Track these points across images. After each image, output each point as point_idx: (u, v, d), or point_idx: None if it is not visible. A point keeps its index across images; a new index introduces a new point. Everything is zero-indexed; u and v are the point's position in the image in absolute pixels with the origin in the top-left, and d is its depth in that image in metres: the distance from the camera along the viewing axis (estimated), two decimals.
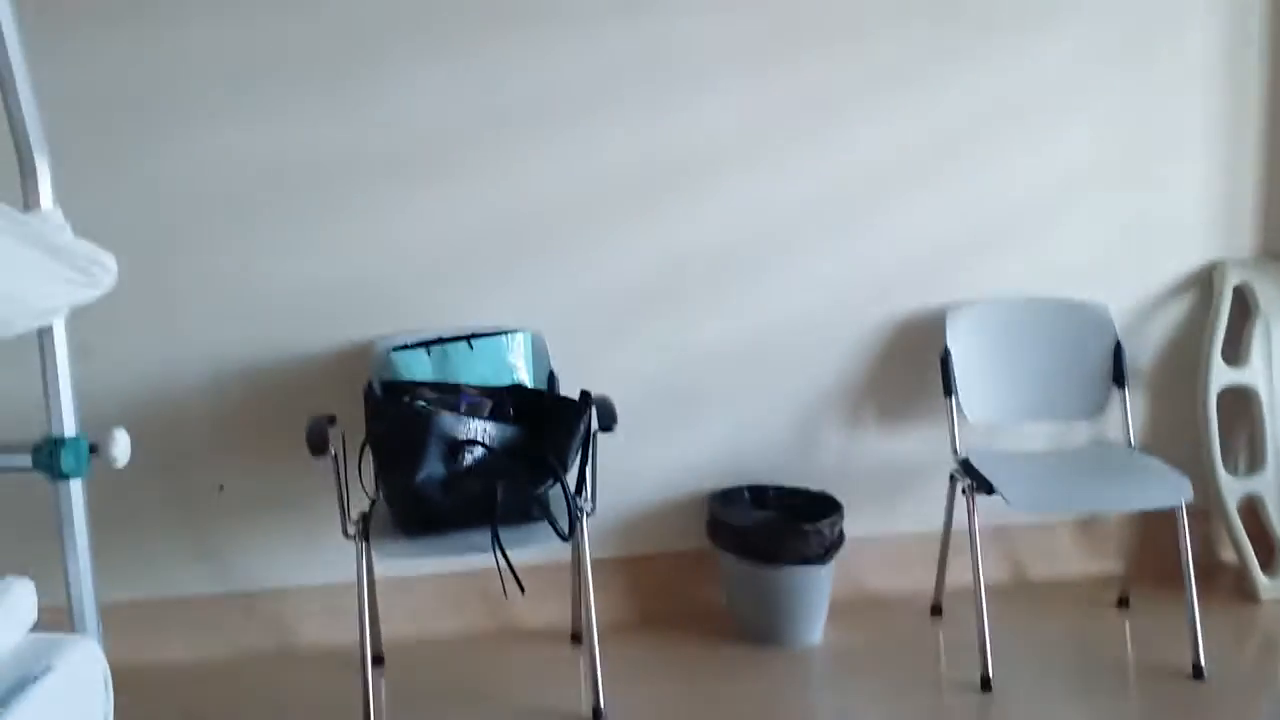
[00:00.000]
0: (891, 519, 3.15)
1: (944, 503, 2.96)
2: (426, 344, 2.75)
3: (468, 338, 2.78)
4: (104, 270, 1.49)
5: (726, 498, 3.04)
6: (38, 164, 1.48)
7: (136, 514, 2.82)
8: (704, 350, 3.02)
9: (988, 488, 2.67)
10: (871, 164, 3.00)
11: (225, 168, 2.75)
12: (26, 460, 1.56)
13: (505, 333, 2.80)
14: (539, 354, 2.85)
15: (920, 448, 3.12)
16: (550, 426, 2.56)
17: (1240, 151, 3.13)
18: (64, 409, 1.58)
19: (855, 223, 3.02)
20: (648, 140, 2.90)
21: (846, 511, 2.94)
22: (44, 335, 1.54)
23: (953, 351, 2.97)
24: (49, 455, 1.55)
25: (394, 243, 2.84)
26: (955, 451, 2.92)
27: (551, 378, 2.84)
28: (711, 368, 3.03)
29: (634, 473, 3.02)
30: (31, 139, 1.47)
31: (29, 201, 1.48)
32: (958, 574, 2.95)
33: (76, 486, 1.60)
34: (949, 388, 2.95)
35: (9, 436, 1.62)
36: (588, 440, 2.56)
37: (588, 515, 2.53)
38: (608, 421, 2.58)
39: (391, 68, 2.77)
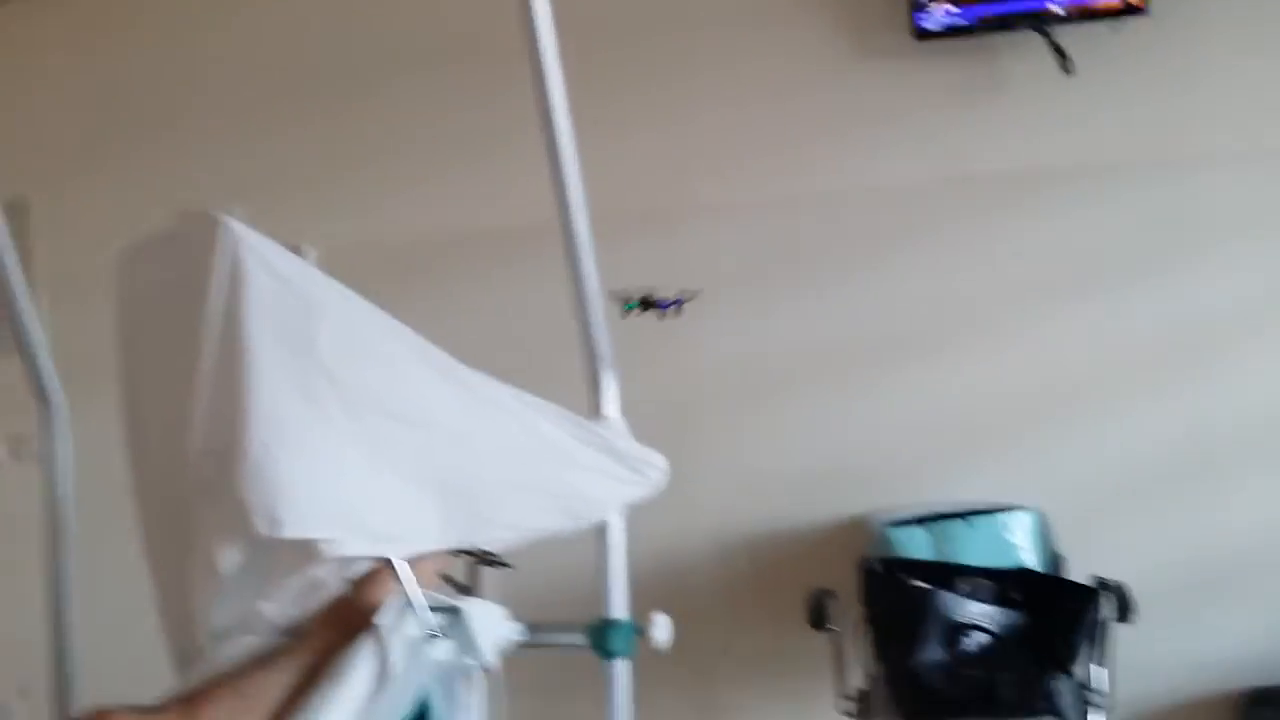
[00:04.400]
0: None
1: None
2: (923, 520, 2.74)
3: (965, 514, 2.72)
4: (656, 470, 1.64)
5: (1261, 698, 2.67)
6: (603, 377, 1.68)
7: (650, 671, 3.02)
8: (1234, 531, 2.74)
9: None
10: None
11: (733, 358, 2.97)
12: (581, 638, 1.73)
13: (1006, 510, 2.71)
14: (1043, 534, 2.72)
15: None
16: (1058, 614, 2.42)
17: None
18: (617, 595, 1.74)
19: None
20: (1162, 308, 2.75)
21: None
22: (602, 528, 1.73)
23: None
24: (602, 636, 1.71)
25: (892, 418, 2.90)
26: None
27: (1059, 560, 2.69)
28: (1243, 551, 2.74)
29: (1153, 665, 2.76)
30: (599, 354, 1.68)
31: (597, 409, 1.68)
32: None
33: (622, 665, 1.75)
34: None
35: (561, 615, 1.81)
36: (1101, 630, 2.38)
37: (1103, 712, 2.33)
38: (1126, 611, 2.39)
39: (887, 254, 2.87)
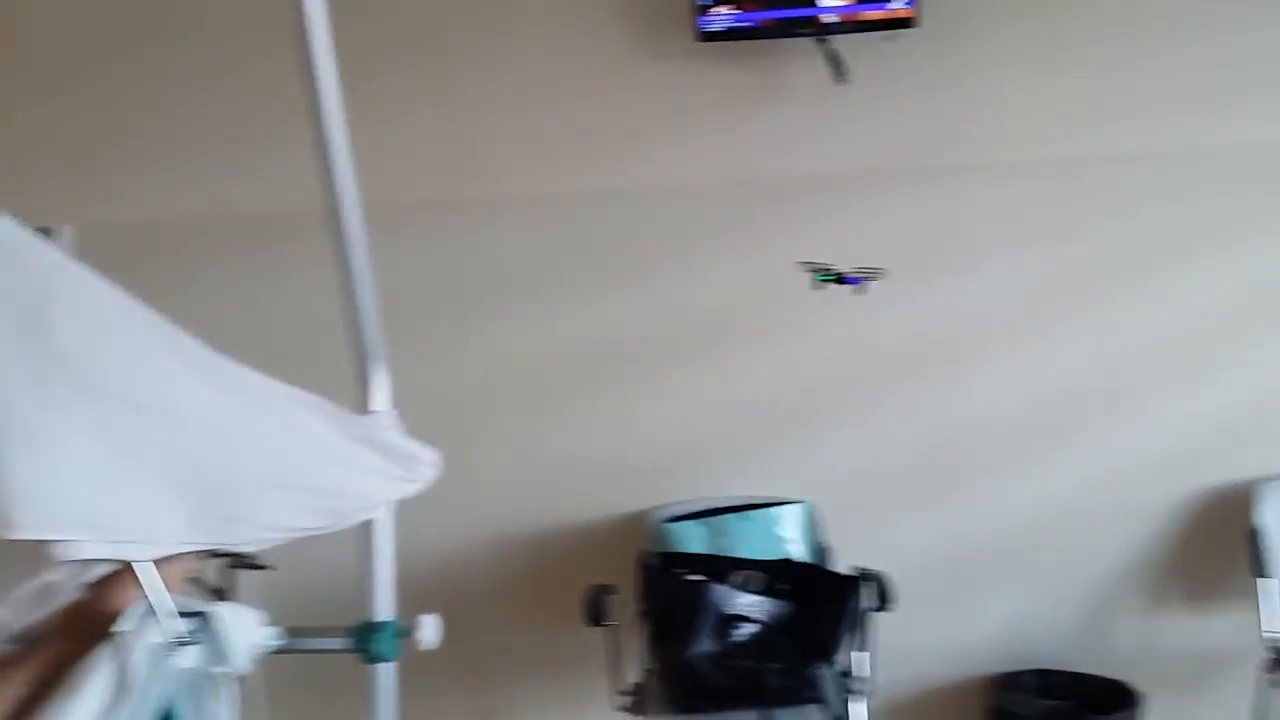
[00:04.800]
0: (1195, 712, 2.88)
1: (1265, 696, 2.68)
2: (700, 515, 2.80)
3: (740, 509, 2.80)
4: (427, 466, 1.61)
5: (1010, 682, 2.87)
6: (374, 372, 1.63)
7: (424, 672, 2.96)
8: (989, 525, 2.92)
9: None
10: (1170, 333, 2.86)
11: (517, 358, 2.96)
12: (344, 642, 1.68)
13: (779, 504, 2.81)
14: (813, 527, 2.83)
15: (1228, 634, 2.85)
16: (823, 604, 2.52)
17: None
18: (382, 596, 1.69)
19: (1154, 394, 2.88)
20: (927, 311, 2.89)
21: (1144, 702, 2.71)
22: (368, 526, 1.67)
23: (1264, 529, 2.72)
24: (365, 639, 1.66)
25: (673, 415, 2.94)
26: (1268, 640, 2.65)
27: (825, 552, 2.81)
28: (996, 543, 2.92)
29: (911, 652, 2.90)
30: (370, 349, 1.62)
31: (365, 403, 1.63)
32: None
33: (387, 668, 1.70)
34: (1259, 568, 2.70)
35: (323, 619, 1.75)
36: (862, 619, 2.50)
37: (863, 697, 2.45)
38: (885, 599, 2.51)
39: (663, 260, 2.92)
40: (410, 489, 1.62)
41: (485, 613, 2.94)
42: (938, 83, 2.85)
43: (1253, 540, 2.74)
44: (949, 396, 2.91)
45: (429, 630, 1.68)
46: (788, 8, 2.76)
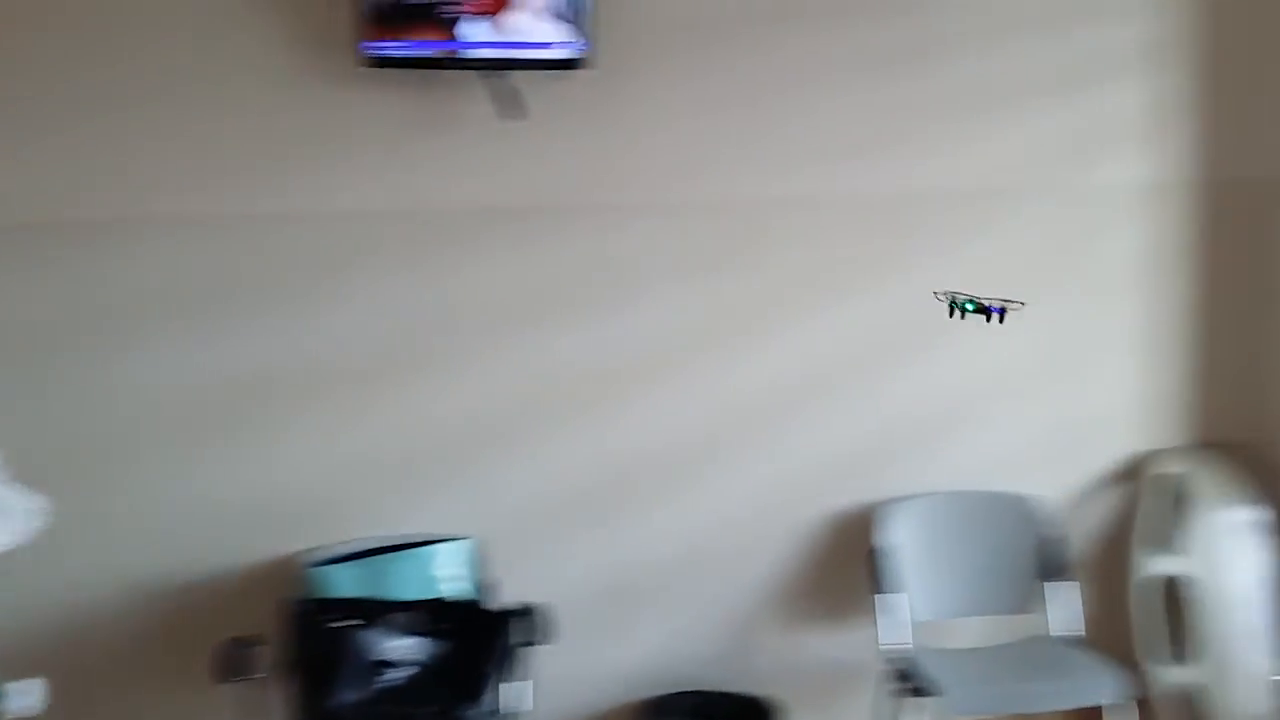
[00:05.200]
0: None
1: (885, 704, 2.91)
2: (352, 557, 2.72)
3: (396, 548, 2.75)
4: (33, 515, 1.48)
5: (662, 706, 2.98)
6: None
7: None
8: (645, 553, 3.02)
9: (920, 690, 2.64)
10: (802, 365, 3.05)
11: (153, 393, 2.78)
12: None
13: (437, 541, 2.78)
14: (475, 563, 2.82)
15: (858, 648, 3.09)
16: (478, 641, 2.52)
17: (1166, 348, 3.21)
18: None
19: (789, 423, 3.06)
20: (583, 347, 2.95)
21: (784, 716, 2.88)
22: None
23: (885, 548, 2.97)
24: None
25: (325, 454, 2.85)
26: (885, 652, 2.89)
27: (488, 588, 2.80)
28: (651, 571, 3.02)
29: (574, 682, 2.97)
30: None
31: None
32: None
33: None
34: (878, 585, 2.94)
35: None
36: (518, 653, 2.51)
37: None
38: (542, 633, 2.54)
39: (318, 289, 2.83)
40: (11, 540, 1.47)
41: (116, 673, 2.73)
42: (608, 124, 2.92)
43: (872, 559, 2.98)
44: (608, 429, 2.99)
45: (25, 698, 1.53)
46: (452, 40, 2.74)
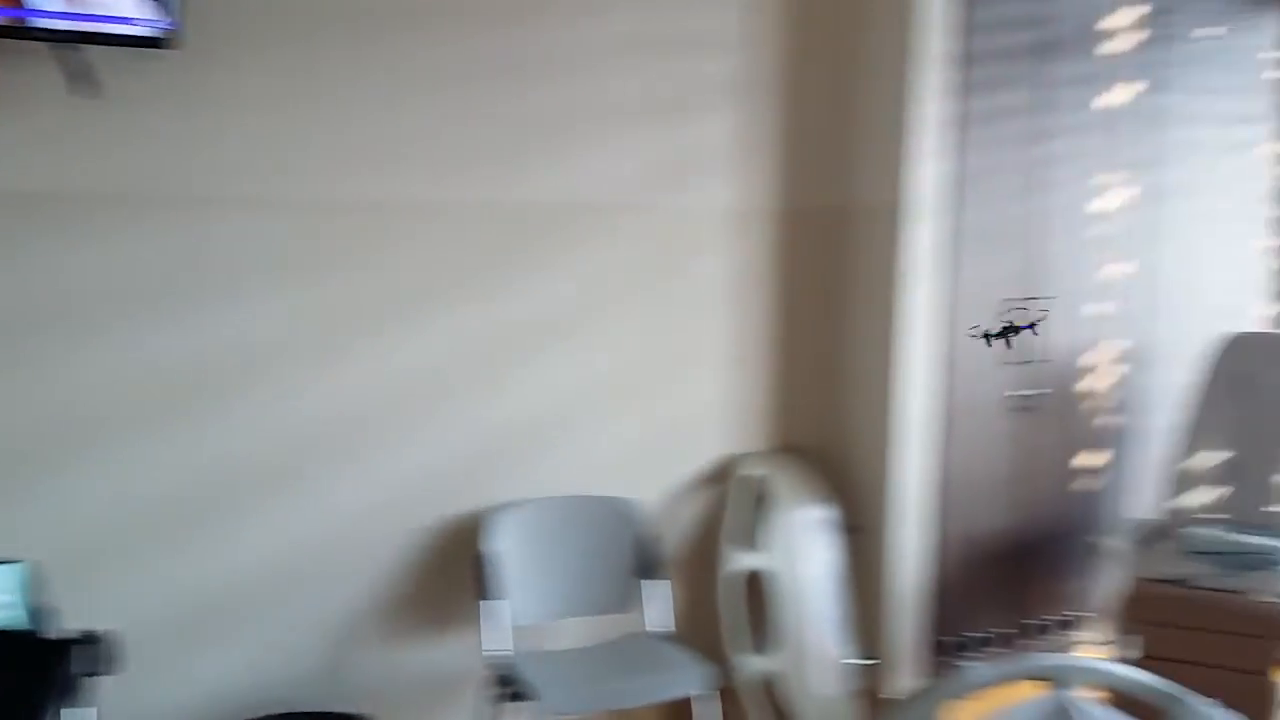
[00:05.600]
0: None
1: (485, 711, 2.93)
2: None
3: None
4: None
5: None
6: None
7: None
8: (232, 572, 2.84)
9: (518, 694, 2.67)
10: (410, 373, 3.01)
11: None
12: None
13: None
14: (30, 587, 2.53)
15: (462, 657, 3.08)
16: (34, 673, 2.26)
17: (750, 359, 3.46)
18: None
19: (394, 432, 3.00)
20: (168, 350, 2.75)
21: None
22: None
23: (489, 555, 2.99)
24: None
25: None
26: (487, 658, 2.91)
27: (47, 615, 2.52)
28: (238, 590, 2.85)
29: (151, 711, 2.74)
30: None
31: None
32: None
33: None
34: (483, 590, 2.96)
35: None
36: (80, 683, 2.28)
37: None
38: (107, 661, 2.32)
39: None
40: None
41: None
42: (195, 110, 2.72)
43: (478, 565, 2.99)
44: (197, 440, 2.79)
45: None
46: (20, 8, 2.45)
